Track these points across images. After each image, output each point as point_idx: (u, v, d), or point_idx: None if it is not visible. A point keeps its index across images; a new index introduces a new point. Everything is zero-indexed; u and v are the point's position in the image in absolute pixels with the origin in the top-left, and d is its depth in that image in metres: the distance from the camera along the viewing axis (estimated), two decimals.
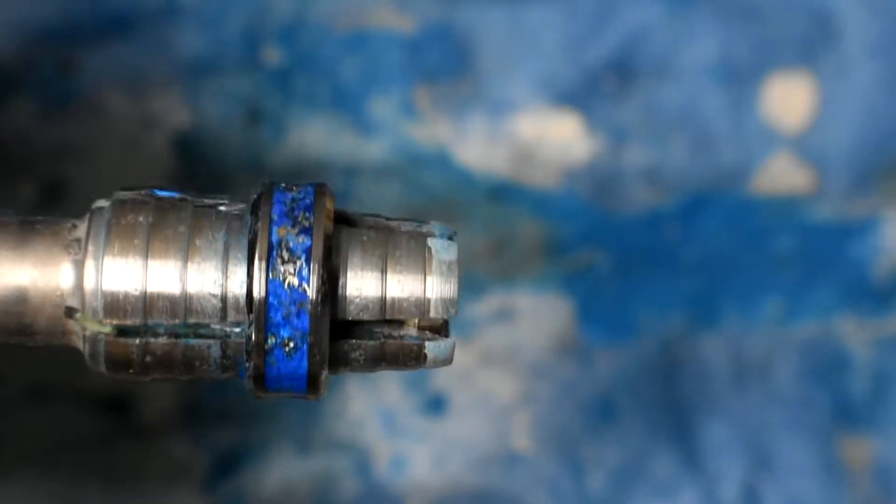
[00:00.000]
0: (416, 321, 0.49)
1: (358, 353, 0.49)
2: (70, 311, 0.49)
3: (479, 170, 0.87)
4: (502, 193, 0.87)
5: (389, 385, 0.86)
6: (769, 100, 0.88)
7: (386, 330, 0.49)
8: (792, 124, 0.88)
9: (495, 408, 0.87)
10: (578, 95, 0.87)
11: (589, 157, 0.87)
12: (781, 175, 0.88)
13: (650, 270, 0.88)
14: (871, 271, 0.88)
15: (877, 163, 0.88)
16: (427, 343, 0.49)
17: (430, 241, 0.49)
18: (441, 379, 0.86)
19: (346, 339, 0.49)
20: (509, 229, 0.87)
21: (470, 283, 0.86)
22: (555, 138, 0.87)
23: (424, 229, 0.50)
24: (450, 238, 0.50)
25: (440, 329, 0.50)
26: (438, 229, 0.50)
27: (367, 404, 0.86)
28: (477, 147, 0.87)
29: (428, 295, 0.49)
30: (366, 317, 0.49)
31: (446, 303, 0.49)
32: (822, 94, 0.88)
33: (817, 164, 0.88)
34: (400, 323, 0.49)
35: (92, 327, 0.49)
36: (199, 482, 0.85)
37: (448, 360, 0.50)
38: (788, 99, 0.88)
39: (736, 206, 0.88)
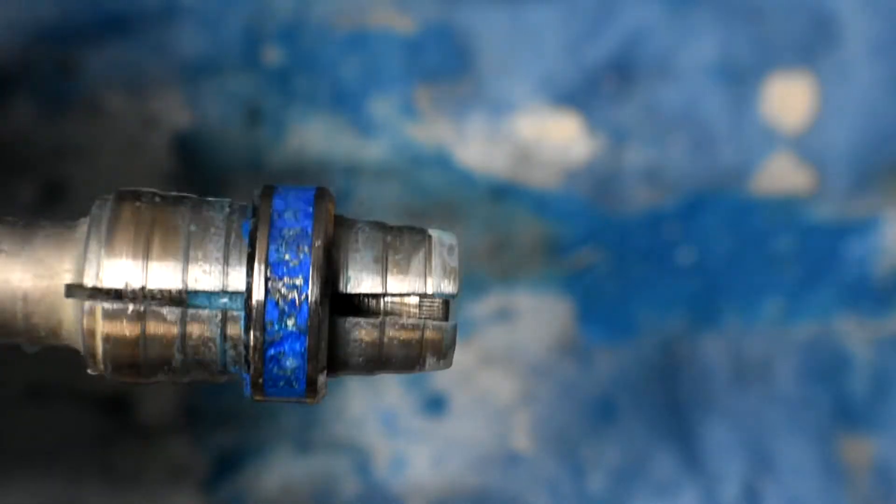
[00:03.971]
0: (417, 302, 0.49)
1: (356, 363, 0.49)
2: (70, 290, 0.49)
3: (479, 170, 0.87)
4: (502, 193, 0.87)
5: (389, 385, 0.86)
6: (769, 100, 0.88)
7: (384, 342, 0.49)
8: (792, 124, 0.88)
9: (495, 408, 0.87)
10: (578, 95, 0.87)
11: (589, 157, 0.87)
12: (781, 175, 0.88)
13: (650, 270, 0.88)
14: (871, 271, 0.88)
15: (877, 163, 0.88)
16: (427, 322, 0.49)
17: (431, 231, 0.49)
18: (441, 379, 0.86)
19: (344, 352, 0.49)
20: (509, 229, 0.87)
21: (470, 283, 0.86)
22: (555, 138, 0.87)
23: (424, 233, 0.50)
24: (450, 246, 0.50)
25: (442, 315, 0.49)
26: (437, 234, 0.50)
27: (367, 404, 0.86)
28: (477, 147, 0.87)
29: (429, 290, 0.49)
30: (364, 327, 0.48)
31: (446, 308, 0.49)
32: (822, 94, 0.88)
33: (817, 164, 0.88)
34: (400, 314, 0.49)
35: (89, 303, 0.48)
36: (199, 482, 0.85)
37: (449, 356, 0.50)
38: (788, 99, 0.88)
39: (736, 206, 0.88)
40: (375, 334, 0.49)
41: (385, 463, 0.86)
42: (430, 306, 0.49)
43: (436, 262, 0.49)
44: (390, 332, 0.49)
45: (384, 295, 0.49)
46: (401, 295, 0.49)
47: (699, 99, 0.87)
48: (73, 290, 0.48)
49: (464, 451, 0.86)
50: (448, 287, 0.49)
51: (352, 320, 0.48)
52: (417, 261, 0.49)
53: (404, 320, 0.49)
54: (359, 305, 0.49)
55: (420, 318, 0.49)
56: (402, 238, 0.49)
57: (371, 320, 0.49)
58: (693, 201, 0.88)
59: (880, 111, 0.88)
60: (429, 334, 0.49)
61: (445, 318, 0.49)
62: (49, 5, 0.84)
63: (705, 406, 0.88)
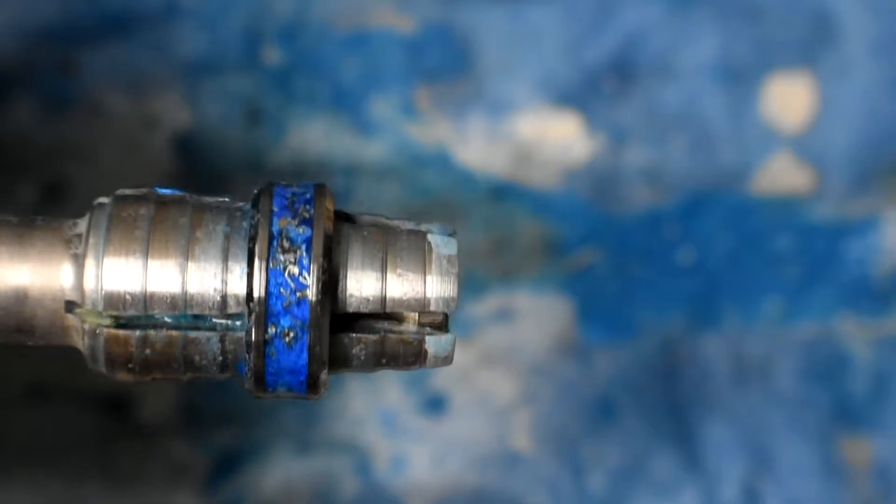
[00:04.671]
0: (416, 317, 0.49)
1: (358, 348, 0.49)
2: (70, 306, 0.49)
3: (479, 170, 0.87)
4: (502, 193, 0.87)
5: (389, 385, 0.86)
6: (769, 100, 0.88)
7: (386, 325, 0.49)
8: (792, 124, 0.88)
9: (495, 408, 0.87)
10: (578, 95, 0.87)
11: (589, 157, 0.87)
12: (781, 175, 0.88)
13: (650, 270, 0.88)
14: (871, 271, 0.88)
15: (877, 163, 0.88)
16: (427, 338, 0.49)
17: (430, 237, 0.49)
18: (441, 379, 0.86)
19: (346, 332, 0.49)
20: (509, 229, 0.87)
21: (470, 283, 0.86)
22: (555, 138, 0.87)
23: (424, 227, 0.50)
24: (449, 235, 0.50)
25: (440, 325, 0.50)
26: (438, 227, 0.50)
27: (367, 404, 0.86)
28: (477, 147, 0.87)
29: (428, 290, 0.49)
30: (365, 310, 0.49)
31: (446, 299, 0.49)
32: (822, 94, 0.88)
33: (817, 164, 0.88)
34: (400, 319, 0.49)
35: (92, 320, 0.49)
36: (199, 482, 0.85)
37: (448, 358, 0.50)
38: (788, 99, 0.88)
39: (736, 206, 0.88)
40: (376, 337, 0.49)
41: (385, 463, 0.86)
42: (430, 314, 0.49)
43: (436, 272, 0.49)
44: (391, 339, 0.49)
45: (384, 300, 0.49)
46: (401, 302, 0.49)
47: (699, 99, 0.87)
48: (73, 306, 0.49)
49: (464, 451, 0.86)
50: (448, 295, 0.49)
51: (352, 336, 0.49)
52: (417, 270, 0.49)
53: (404, 335, 0.49)
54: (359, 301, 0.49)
55: (420, 333, 0.49)
56: (401, 242, 0.49)
57: (371, 336, 0.49)
58: (693, 201, 0.88)
59: (880, 111, 0.88)
60: (428, 345, 0.49)
61: (446, 325, 0.50)
62: (50, 5, 0.84)
63: (705, 406, 0.88)
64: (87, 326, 0.49)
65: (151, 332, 0.48)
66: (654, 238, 0.88)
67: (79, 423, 0.84)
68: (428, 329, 0.49)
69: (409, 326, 0.49)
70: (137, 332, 0.48)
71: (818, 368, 0.88)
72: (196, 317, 0.48)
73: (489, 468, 0.86)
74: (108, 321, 0.48)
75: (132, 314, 0.48)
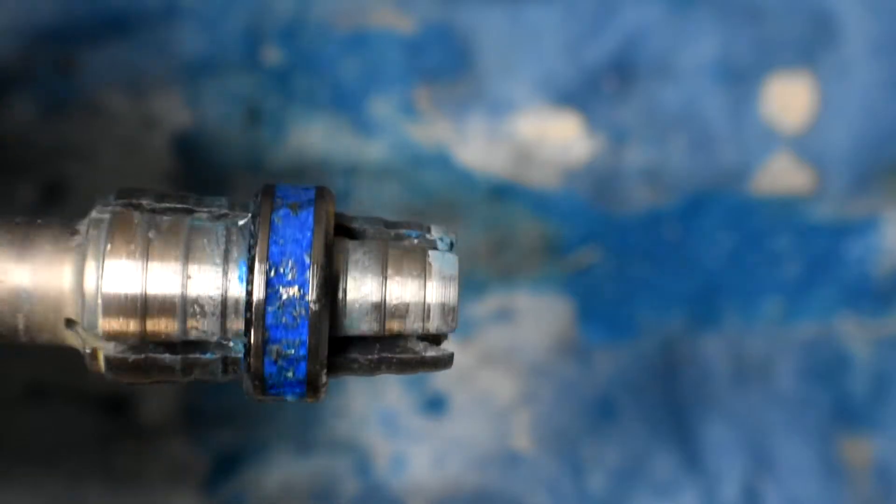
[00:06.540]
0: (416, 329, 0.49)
1: (356, 364, 0.49)
2: (70, 323, 0.49)
3: (479, 170, 0.87)
4: (502, 193, 0.87)
5: (389, 385, 0.86)
6: (769, 100, 0.88)
7: (385, 344, 0.49)
8: (792, 124, 0.88)
9: (495, 408, 0.87)
10: (578, 95, 0.87)
11: (589, 157, 0.87)
12: (781, 175, 0.88)
13: (650, 270, 0.88)
14: (871, 271, 0.88)
15: (877, 163, 0.88)
16: (426, 354, 0.49)
17: (431, 254, 0.49)
18: (441, 379, 0.86)
19: (344, 353, 0.49)
20: (509, 229, 0.87)
21: (470, 283, 0.86)
22: (555, 138, 0.87)
23: (424, 230, 0.50)
24: (450, 246, 0.50)
25: (439, 338, 0.50)
26: (439, 238, 0.50)
27: (367, 404, 0.86)
28: (477, 147, 0.87)
29: (428, 296, 0.49)
30: (365, 327, 0.49)
31: (446, 308, 0.49)
32: (822, 94, 0.88)
33: (817, 164, 0.88)
34: (398, 338, 0.49)
35: (92, 343, 0.49)
36: (199, 482, 0.85)
37: (447, 365, 0.50)
38: (788, 99, 0.88)
39: (736, 206, 0.88)
40: (374, 357, 0.49)
41: (385, 463, 0.86)
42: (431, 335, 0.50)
43: (436, 279, 0.49)
44: (390, 358, 0.49)
45: (384, 304, 0.49)
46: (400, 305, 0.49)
47: (699, 99, 0.87)
48: (72, 324, 0.49)
49: (464, 451, 0.86)
50: (448, 301, 0.49)
51: (349, 357, 0.49)
52: (418, 276, 0.49)
53: (402, 354, 0.49)
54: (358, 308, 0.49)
55: (417, 351, 0.49)
56: (402, 248, 0.49)
57: (368, 356, 0.49)
58: (693, 201, 0.88)
59: (880, 111, 0.88)
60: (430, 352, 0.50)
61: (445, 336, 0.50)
62: (49, 5, 0.84)
63: (705, 406, 0.88)
64: (87, 350, 0.49)
65: (151, 356, 0.48)
66: (654, 238, 0.88)
67: (79, 423, 0.84)
68: (427, 344, 0.49)
69: (409, 345, 0.49)
70: (138, 357, 0.48)
71: (818, 368, 0.88)
72: (196, 342, 0.48)
73: (489, 468, 0.86)
74: (110, 349, 0.48)
75: (132, 343, 0.48)
